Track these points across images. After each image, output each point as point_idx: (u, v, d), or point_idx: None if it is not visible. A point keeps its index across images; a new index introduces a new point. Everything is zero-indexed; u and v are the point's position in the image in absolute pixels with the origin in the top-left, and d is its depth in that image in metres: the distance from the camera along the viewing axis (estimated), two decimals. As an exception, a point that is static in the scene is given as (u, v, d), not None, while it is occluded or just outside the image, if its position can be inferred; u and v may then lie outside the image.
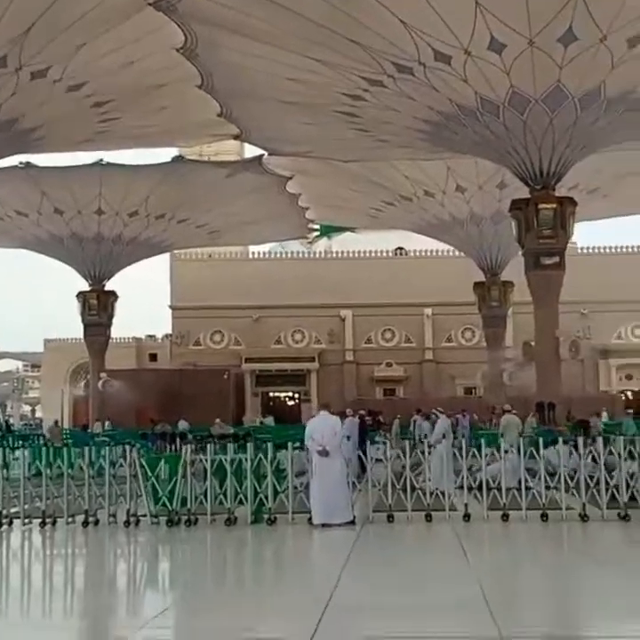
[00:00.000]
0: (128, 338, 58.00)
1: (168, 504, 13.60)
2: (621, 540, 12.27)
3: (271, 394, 52.94)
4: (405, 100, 24.24)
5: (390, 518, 13.10)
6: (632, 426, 27.59)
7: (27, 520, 13.86)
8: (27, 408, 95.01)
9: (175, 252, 48.82)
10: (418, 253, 51.83)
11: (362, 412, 23.02)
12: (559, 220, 26.12)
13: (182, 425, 32.02)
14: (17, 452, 18.60)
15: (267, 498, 13.45)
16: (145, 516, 13.64)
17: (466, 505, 13.17)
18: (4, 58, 22.10)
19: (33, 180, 34.01)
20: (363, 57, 22.45)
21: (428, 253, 50.68)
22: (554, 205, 26.14)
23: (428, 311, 51.08)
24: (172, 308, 53.27)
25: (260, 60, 23.26)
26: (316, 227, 44.81)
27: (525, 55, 21.93)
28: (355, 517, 13.05)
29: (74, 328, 45.37)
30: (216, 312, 51.22)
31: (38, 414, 77.58)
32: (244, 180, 34.52)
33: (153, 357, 58.58)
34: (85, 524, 13.60)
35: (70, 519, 13.77)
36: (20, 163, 32.55)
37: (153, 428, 29.15)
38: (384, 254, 53.05)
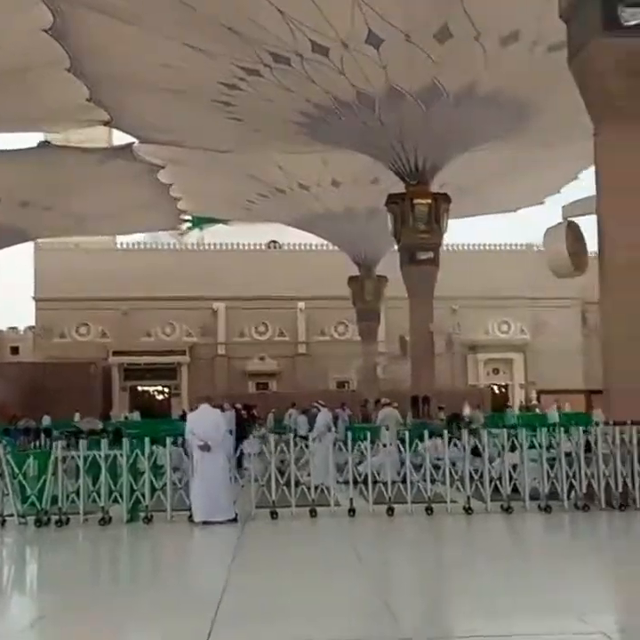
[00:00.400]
0: (-13, 330, 55.72)
1: (37, 503, 12.93)
2: (505, 532, 12.43)
3: (140, 388, 51.84)
4: (282, 91, 24.04)
5: (274, 514, 12.82)
6: (512, 417, 28.49)
7: None
8: None
9: (39, 241, 47.14)
10: (292, 247, 51.75)
11: (238, 405, 22.73)
12: (434, 215, 26.55)
13: (46, 420, 31.04)
14: None
15: (143, 495, 12.96)
16: (11, 516, 12.93)
17: (351, 499, 13.02)
18: None
19: None
20: (239, 45, 22.09)
21: (303, 247, 50.65)
22: (429, 201, 26.57)
23: (302, 305, 51.07)
24: (36, 299, 51.47)
25: (131, 44, 22.57)
26: (189, 218, 44.17)
27: (402, 50, 22.08)
28: (237, 514, 12.72)
29: None
30: (83, 304, 49.73)
31: None
32: (113, 167, 33.55)
33: (14, 350, 56.49)
34: (-54, 525, 12.83)
35: None
36: None
37: (16, 424, 28.14)
38: (257, 247, 52.76)
